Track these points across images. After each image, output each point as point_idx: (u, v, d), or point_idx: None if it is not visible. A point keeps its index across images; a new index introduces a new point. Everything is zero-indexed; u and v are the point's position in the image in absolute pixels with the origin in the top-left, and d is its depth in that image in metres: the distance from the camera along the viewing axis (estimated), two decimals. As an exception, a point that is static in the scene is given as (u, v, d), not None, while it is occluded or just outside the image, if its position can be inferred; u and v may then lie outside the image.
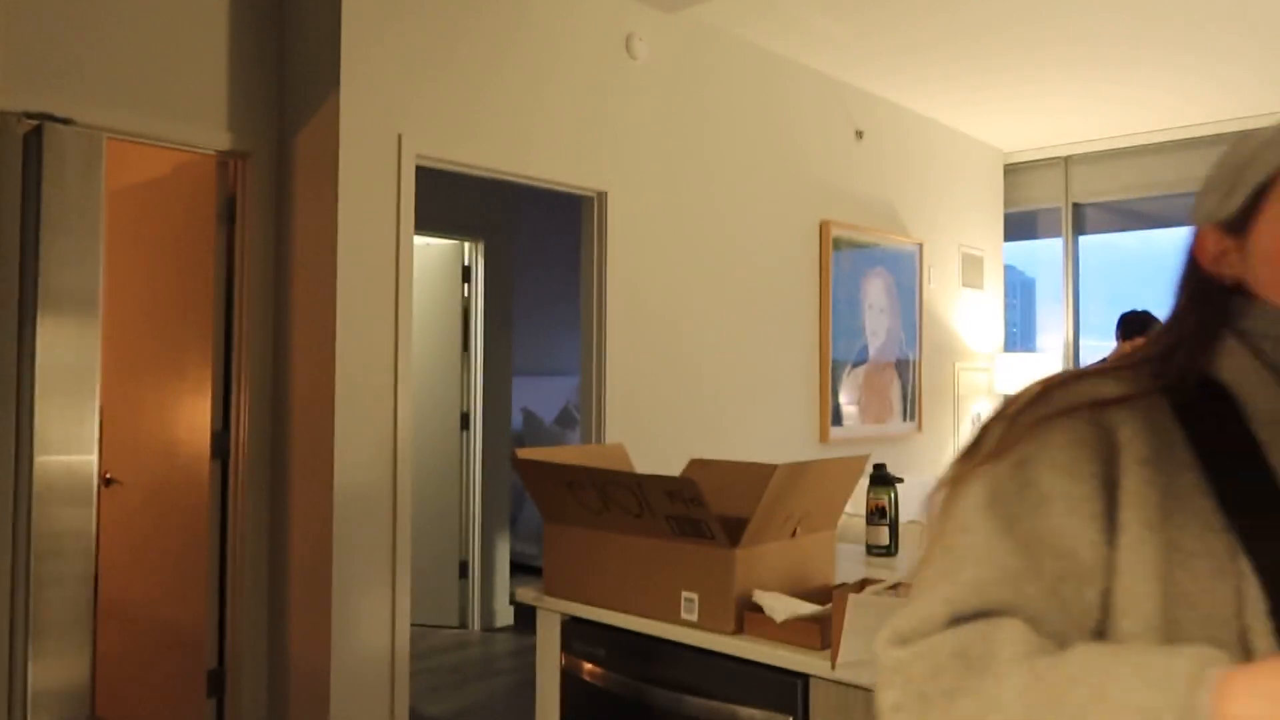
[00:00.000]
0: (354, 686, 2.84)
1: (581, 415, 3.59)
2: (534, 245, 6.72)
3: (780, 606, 1.72)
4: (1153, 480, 0.66)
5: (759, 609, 1.75)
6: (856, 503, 2.55)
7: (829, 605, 1.69)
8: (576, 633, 2.05)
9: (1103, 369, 0.76)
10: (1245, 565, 0.63)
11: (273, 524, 3.01)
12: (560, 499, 2.04)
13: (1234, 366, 0.74)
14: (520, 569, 5.58)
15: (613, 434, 3.50)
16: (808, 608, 1.72)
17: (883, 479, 2.35)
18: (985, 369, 5.80)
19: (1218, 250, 0.80)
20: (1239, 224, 0.79)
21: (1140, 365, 0.76)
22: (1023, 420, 0.71)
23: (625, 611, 1.93)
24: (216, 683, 3.03)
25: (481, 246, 4.81)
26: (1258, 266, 0.76)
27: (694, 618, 1.81)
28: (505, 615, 4.97)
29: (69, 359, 2.53)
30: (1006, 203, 6.29)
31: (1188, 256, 0.83)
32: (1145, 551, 0.64)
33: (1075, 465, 0.67)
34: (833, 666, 1.58)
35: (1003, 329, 6.17)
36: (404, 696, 2.95)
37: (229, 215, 3.05)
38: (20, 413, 2.48)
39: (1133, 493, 0.66)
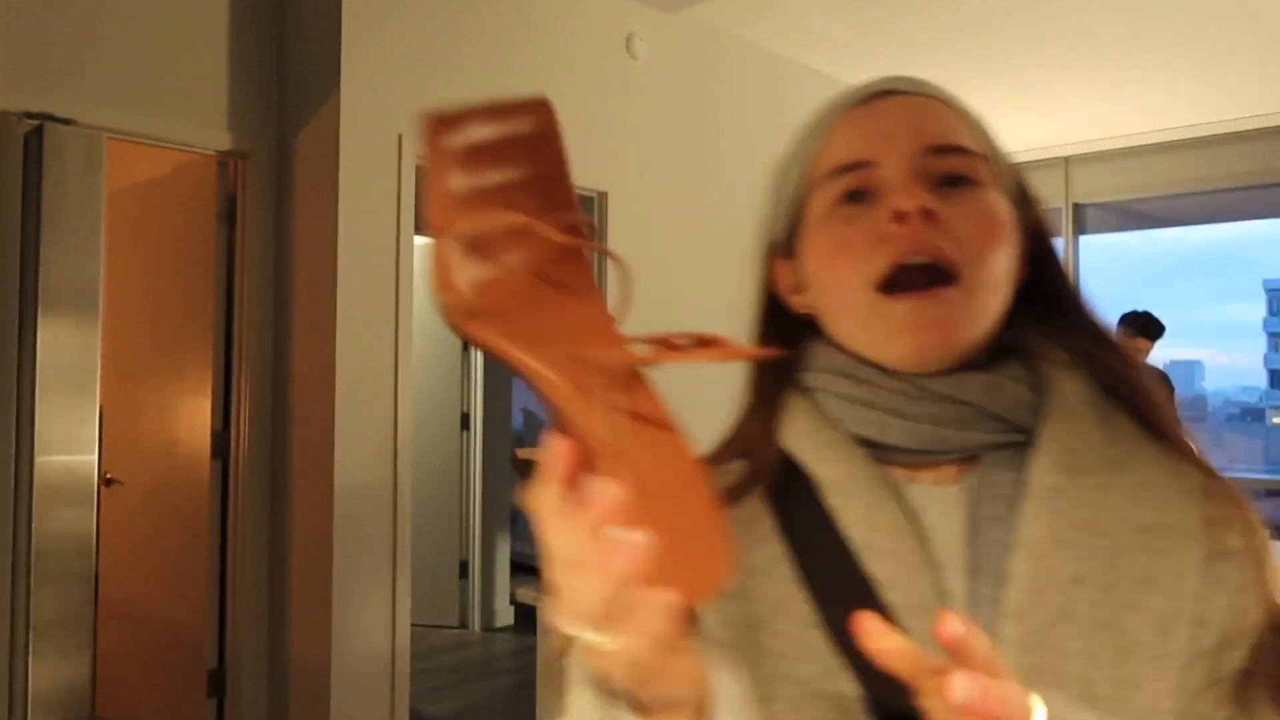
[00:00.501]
0: (354, 686, 2.84)
1: (582, 415, 3.58)
2: (534, 245, 6.71)
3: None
4: (728, 605, 0.60)
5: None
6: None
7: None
8: (577, 632, 2.04)
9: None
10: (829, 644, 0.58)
11: (273, 524, 3.01)
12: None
13: (795, 432, 0.65)
14: (520, 569, 5.58)
15: (613, 434, 3.50)
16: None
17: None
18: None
19: (788, 283, 0.71)
20: (790, 246, 0.69)
21: (737, 446, 0.69)
22: None
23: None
24: (217, 682, 3.03)
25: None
26: (811, 294, 0.67)
27: (694, 617, 1.81)
28: (505, 615, 4.97)
29: (69, 359, 2.53)
30: (1007, 202, 6.28)
31: (764, 293, 0.73)
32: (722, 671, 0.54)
33: None
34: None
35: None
36: (404, 696, 2.95)
37: (229, 215, 3.05)
38: (20, 412, 2.48)
39: (708, 626, 0.60)
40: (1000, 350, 0.64)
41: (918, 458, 0.63)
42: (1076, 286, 0.69)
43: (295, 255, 2.99)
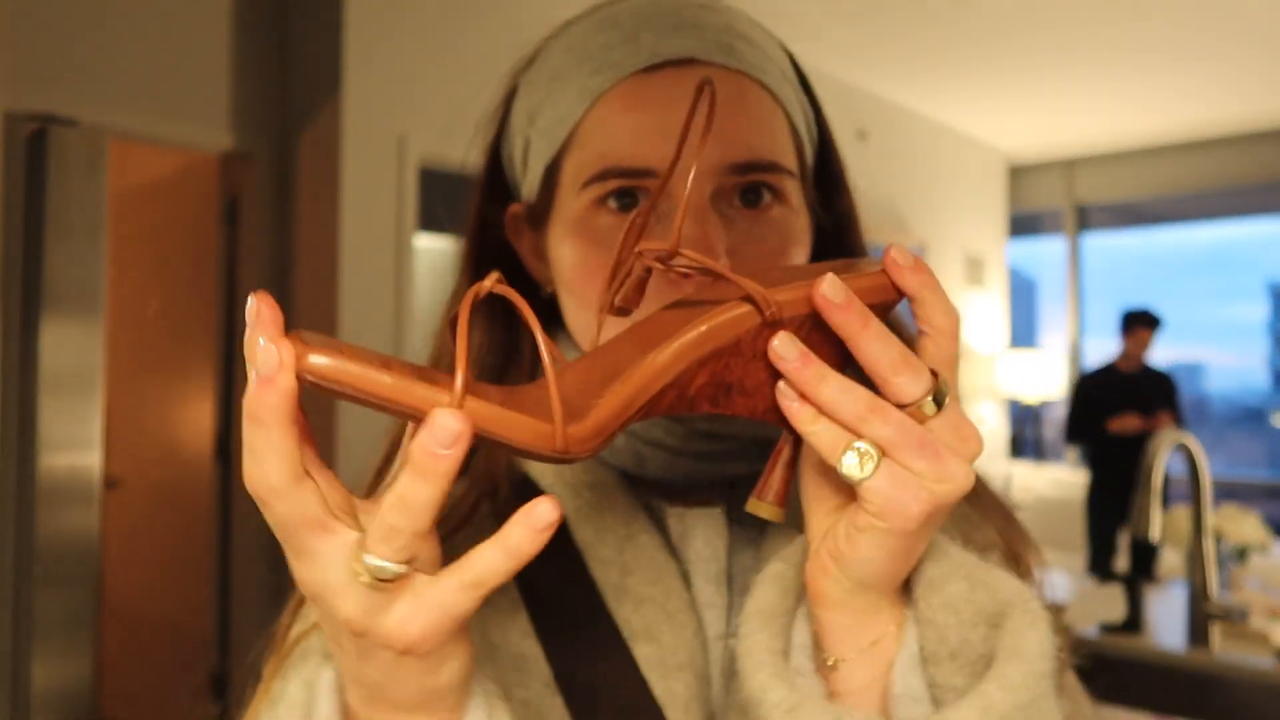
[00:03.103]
0: (357, 687, 2.84)
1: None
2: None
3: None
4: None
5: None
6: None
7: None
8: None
9: None
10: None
11: (276, 525, 3.01)
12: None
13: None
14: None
15: (615, 435, 3.50)
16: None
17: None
18: (988, 369, 5.80)
19: (530, 247, 0.58)
20: (538, 213, 0.56)
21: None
22: None
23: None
24: (220, 684, 3.03)
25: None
26: (557, 286, 0.55)
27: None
28: (508, 616, 4.97)
29: (73, 360, 2.54)
30: (1010, 203, 6.29)
31: (475, 241, 0.58)
32: None
33: None
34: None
35: (1006, 329, 6.17)
36: (407, 697, 2.95)
37: (231, 216, 3.06)
38: (24, 413, 2.49)
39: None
40: None
41: (674, 488, 0.55)
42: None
43: (297, 256, 3.00)
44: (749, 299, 0.39)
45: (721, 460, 0.54)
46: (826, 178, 0.59)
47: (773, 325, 0.39)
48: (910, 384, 0.38)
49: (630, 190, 0.50)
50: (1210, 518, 1.73)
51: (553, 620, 0.51)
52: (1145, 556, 3.79)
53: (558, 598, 0.52)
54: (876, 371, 0.38)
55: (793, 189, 0.53)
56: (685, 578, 0.52)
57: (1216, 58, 4.38)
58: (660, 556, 0.52)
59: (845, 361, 0.40)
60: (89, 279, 2.57)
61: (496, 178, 0.60)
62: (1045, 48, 4.27)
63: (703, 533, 0.54)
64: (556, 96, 0.53)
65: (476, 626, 0.50)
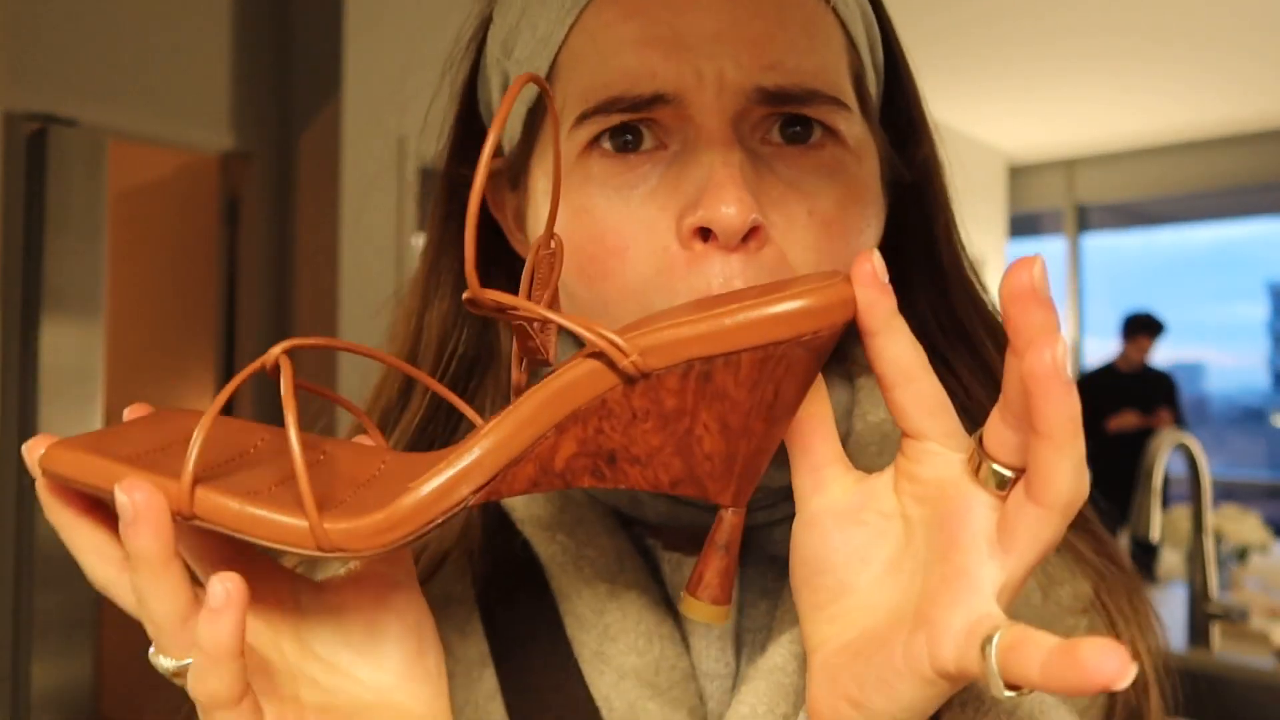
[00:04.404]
0: (357, 687, 2.84)
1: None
2: (536, 246, 6.71)
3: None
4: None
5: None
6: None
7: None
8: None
9: None
10: None
11: (276, 525, 3.01)
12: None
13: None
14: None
15: (615, 435, 3.50)
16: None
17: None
18: (988, 370, 5.80)
19: (512, 214, 0.46)
20: (518, 169, 0.44)
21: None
22: None
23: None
24: (220, 684, 3.03)
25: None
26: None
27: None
28: (508, 616, 4.97)
29: (73, 360, 2.54)
30: (1010, 203, 6.29)
31: (443, 209, 0.47)
32: None
33: None
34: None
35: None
36: (407, 697, 2.95)
37: (231, 216, 3.06)
38: (24, 414, 2.49)
39: None
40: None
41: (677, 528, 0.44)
42: (950, 244, 0.48)
43: (297, 257, 3.00)
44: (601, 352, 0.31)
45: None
46: (898, 114, 0.46)
47: (634, 382, 0.31)
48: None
49: (634, 126, 0.37)
50: (1210, 518, 1.73)
51: (521, 683, 0.42)
52: (1145, 557, 3.79)
53: (529, 659, 0.42)
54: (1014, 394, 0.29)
55: (852, 126, 0.40)
56: (684, 640, 0.42)
57: (1217, 58, 4.38)
58: (650, 617, 0.41)
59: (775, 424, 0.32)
60: (89, 279, 2.56)
61: (470, 128, 0.48)
62: (1045, 48, 4.27)
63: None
64: (534, 12, 0.41)
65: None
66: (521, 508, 0.45)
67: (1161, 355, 4.50)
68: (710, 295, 0.36)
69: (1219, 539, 2.15)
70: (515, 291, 0.34)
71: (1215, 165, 5.63)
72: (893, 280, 0.42)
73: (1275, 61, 4.41)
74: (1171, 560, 3.75)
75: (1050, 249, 6.35)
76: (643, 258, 0.37)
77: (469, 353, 0.48)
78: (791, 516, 0.34)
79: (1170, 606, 1.97)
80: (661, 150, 0.38)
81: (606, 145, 0.38)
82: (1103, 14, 3.88)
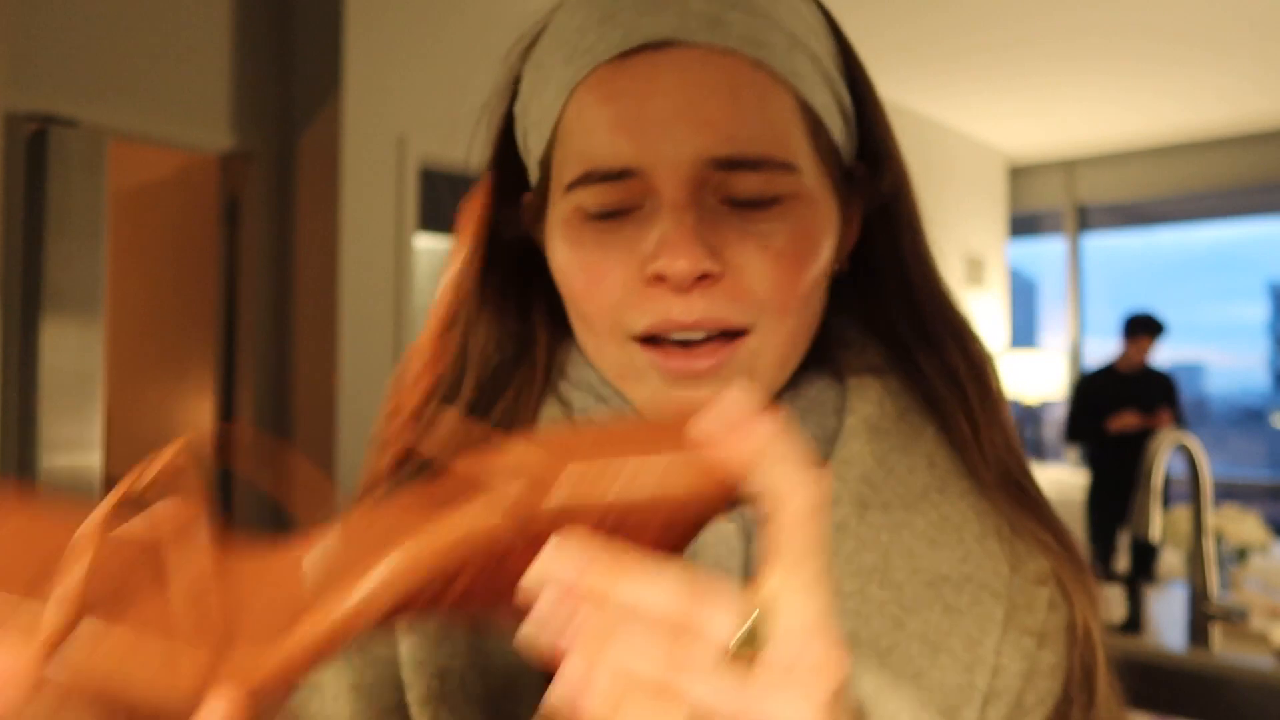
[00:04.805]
0: (357, 687, 2.84)
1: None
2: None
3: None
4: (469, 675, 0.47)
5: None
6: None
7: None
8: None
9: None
10: None
11: (276, 526, 3.01)
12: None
13: None
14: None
15: (615, 435, 3.50)
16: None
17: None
18: (988, 370, 5.79)
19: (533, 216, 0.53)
20: (535, 211, 0.52)
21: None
22: None
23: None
24: (220, 684, 3.03)
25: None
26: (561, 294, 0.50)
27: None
28: (508, 616, 4.97)
29: (73, 361, 2.54)
30: (1011, 203, 6.30)
31: (485, 231, 0.53)
32: None
33: None
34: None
35: (1007, 329, 6.17)
36: (407, 697, 2.95)
37: (232, 216, 3.06)
38: (25, 414, 2.49)
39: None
40: (812, 358, 0.51)
41: None
42: (917, 257, 0.54)
43: (298, 256, 3.00)
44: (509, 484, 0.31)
45: None
46: (873, 144, 0.52)
47: (529, 528, 0.30)
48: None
49: (617, 208, 0.46)
50: (1210, 518, 1.73)
51: None
52: (1145, 556, 3.79)
53: None
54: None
55: (804, 180, 0.46)
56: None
57: (1217, 58, 4.38)
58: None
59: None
60: (89, 279, 2.56)
61: (506, 169, 0.55)
62: (1046, 48, 4.27)
63: (716, 544, 0.48)
64: (540, 88, 0.49)
65: (478, 641, 0.48)
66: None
67: (1161, 355, 4.51)
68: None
69: (1219, 539, 2.15)
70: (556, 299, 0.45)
71: (1215, 165, 5.63)
72: (867, 290, 0.52)
73: (1275, 62, 4.41)
74: (1171, 560, 3.75)
75: (1050, 249, 6.35)
76: (617, 283, 0.46)
77: (508, 357, 0.54)
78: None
79: (1170, 606, 1.97)
80: (636, 210, 0.46)
81: (592, 212, 0.46)
82: (1104, 14, 3.88)
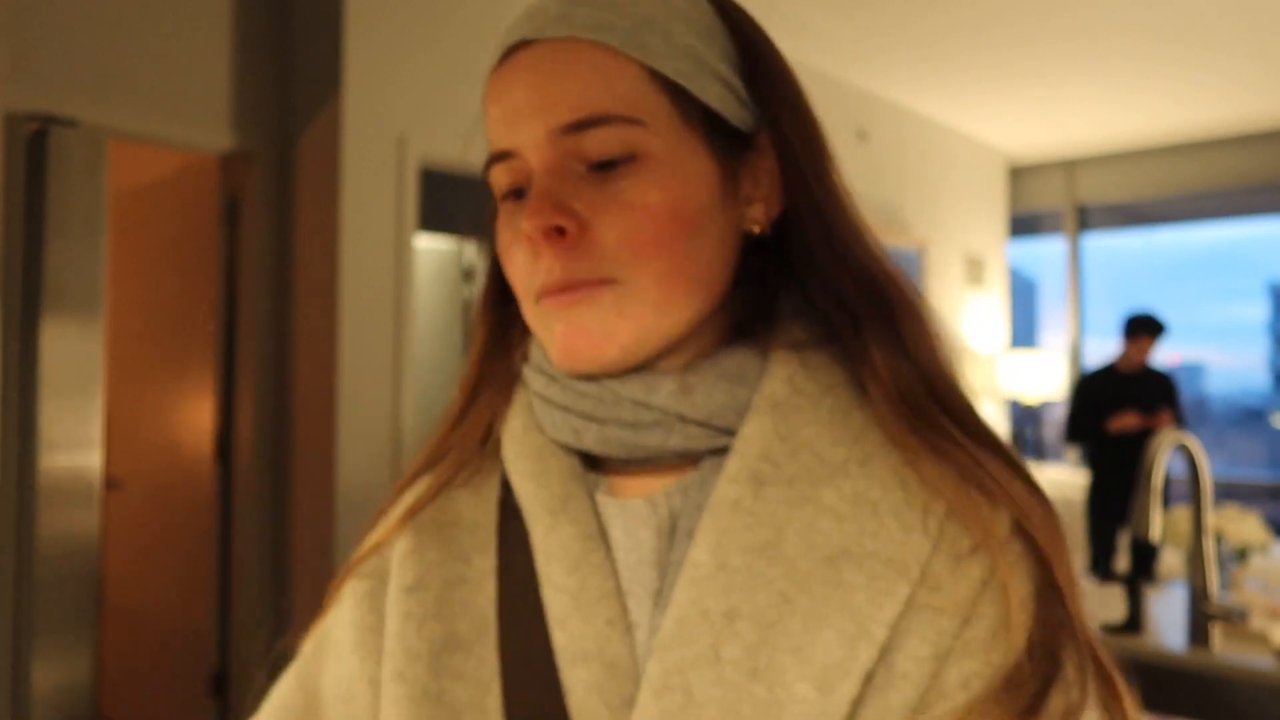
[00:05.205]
0: (357, 687, 2.83)
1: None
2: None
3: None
4: (415, 612, 0.54)
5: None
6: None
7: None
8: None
9: (434, 456, 0.62)
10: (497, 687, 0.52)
11: (276, 525, 3.01)
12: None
13: (509, 432, 0.57)
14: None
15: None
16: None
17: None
18: (988, 369, 5.80)
19: None
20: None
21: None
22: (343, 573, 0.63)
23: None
24: (220, 684, 3.03)
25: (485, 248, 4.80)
26: None
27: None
28: (508, 616, 4.96)
29: (73, 360, 2.54)
30: (1011, 204, 6.29)
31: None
32: (395, 695, 0.53)
33: (358, 616, 0.59)
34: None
35: (1008, 329, 6.17)
36: (407, 697, 2.95)
37: (232, 216, 3.06)
38: (24, 413, 2.49)
39: (392, 635, 0.54)
40: (742, 330, 0.54)
41: (632, 466, 0.54)
42: (845, 227, 0.54)
43: (298, 256, 3.00)
44: None
45: (653, 432, 0.52)
46: (770, 111, 0.54)
47: None
48: None
49: (517, 187, 0.53)
50: (1210, 518, 1.73)
51: (504, 595, 0.54)
52: (1145, 556, 3.79)
53: (513, 574, 0.54)
54: None
55: (653, 138, 0.50)
56: (605, 567, 0.52)
57: (1216, 59, 4.38)
58: (578, 546, 0.52)
59: None
60: (89, 279, 2.57)
61: None
62: (1046, 48, 4.27)
63: (621, 522, 0.52)
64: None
65: (446, 591, 0.55)
66: (509, 445, 0.57)
67: (1161, 356, 4.51)
68: None
69: (1219, 539, 2.15)
70: None
71: (1215, 165, 5.63)
72: (802, 261, 0.54)
73: (1275, 62, 4.41)
74: (1171, 560, 3.75)
75: (1050, 249, 6.35)
76: (520, 253, 0.53)
77: (492, 365, 0.62)
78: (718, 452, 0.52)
79: (1170, 607, 1.97)
80: (527, 188, 0.53)
81: (502, 190, 0.54)
82: (1103, 15, 3.88)
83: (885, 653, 0.46)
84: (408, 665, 0.53)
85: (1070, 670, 0.46)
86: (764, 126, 0.54)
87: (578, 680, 0.49)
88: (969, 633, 0.46)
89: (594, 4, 0.51)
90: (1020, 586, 0.47)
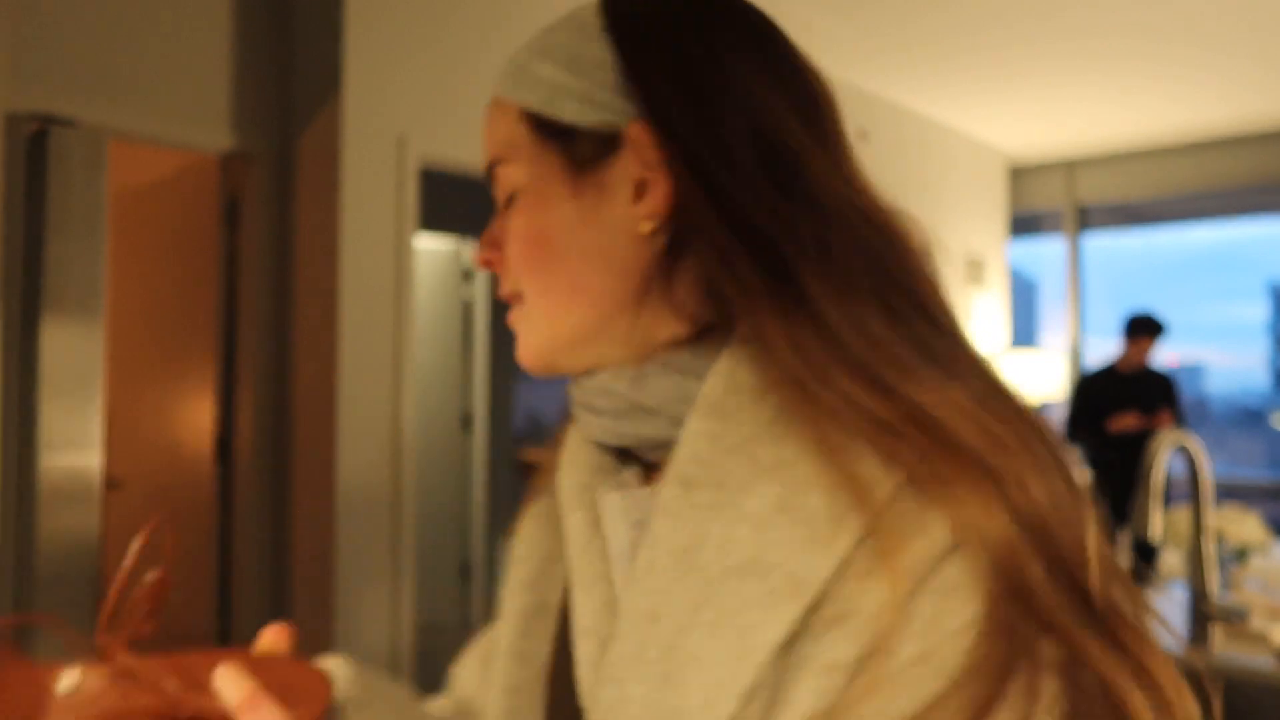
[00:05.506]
0: (357, 687, 2.83)
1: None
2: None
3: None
4: (518, 578, 0.63)
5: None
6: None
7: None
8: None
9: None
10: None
11: (275, 526, 3.01)
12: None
13: (571, 431, 0.63)
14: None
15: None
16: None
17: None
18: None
19: None
20: None
21: None
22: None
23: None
24: (220, 684, 3.03)
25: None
26: None
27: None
28: (508, 616, 4.96)
29: (73, 361, 2.54)
30: (1011, 204, 6.29)
31: None
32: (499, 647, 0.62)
33: (533, 529, 0.66)
34: None
35: (1008, 329, 6.17)
36: (407, 697, 2.95)
37: (232, 216, 3.06)
38: (24, 413, 2.49)
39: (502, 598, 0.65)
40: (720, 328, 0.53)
41: (645, 458, 0.57)
42: (749, 194, 0.51)
43: (298, 256, 3.00)
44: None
45: (634, 422, 0.54)
46: (638, 89, 0.54)
47: None
48: None
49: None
50: (1210, 518, 1.73)
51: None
52: (1146, 557, 3.79)
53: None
54: None
55: (520, 170, 0.57)
56: (603, 554, 0.56)
57: (1216, 59, 4.38)
58: (583, 532, 0.56)
59: None
60: (89, 279, 2.57)
61: None
62: (1046, 48, 4.27)
63: (607, 515, 0.55)
64: None
65: (544, 566, 0.63)
66: (566, 450, 0.62)
67: (1161, 356, 4.51)
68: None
69: (1219, 539, 2.15)
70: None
71: (1215, 165, 5.63)
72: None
73: (1275, 62, 4.41)
74: (1172, 560, 3.75)
75: (1050, 249, 6.35)
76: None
77: None
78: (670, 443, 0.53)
79: (1170, 607, 1.97)
80: None
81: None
82: (1103, 14, 3.88)
83: (777, 674, 0.43)
84: (505, 626, 0.61)
85: (1019, 685, 0.40)
86: (639, 119, 0.53)
87: (583, 653, 0.53)
88: (882, 664, 0.41)
89: (511, 62, 0.59)
90: (956, 613, 0.41)
